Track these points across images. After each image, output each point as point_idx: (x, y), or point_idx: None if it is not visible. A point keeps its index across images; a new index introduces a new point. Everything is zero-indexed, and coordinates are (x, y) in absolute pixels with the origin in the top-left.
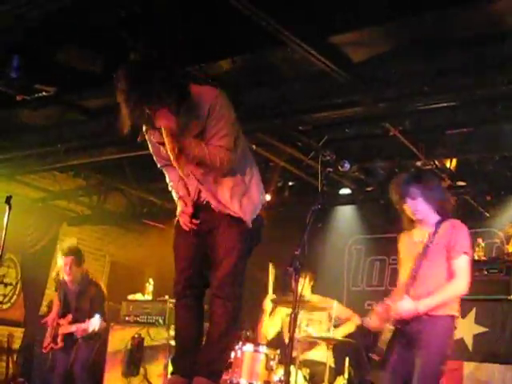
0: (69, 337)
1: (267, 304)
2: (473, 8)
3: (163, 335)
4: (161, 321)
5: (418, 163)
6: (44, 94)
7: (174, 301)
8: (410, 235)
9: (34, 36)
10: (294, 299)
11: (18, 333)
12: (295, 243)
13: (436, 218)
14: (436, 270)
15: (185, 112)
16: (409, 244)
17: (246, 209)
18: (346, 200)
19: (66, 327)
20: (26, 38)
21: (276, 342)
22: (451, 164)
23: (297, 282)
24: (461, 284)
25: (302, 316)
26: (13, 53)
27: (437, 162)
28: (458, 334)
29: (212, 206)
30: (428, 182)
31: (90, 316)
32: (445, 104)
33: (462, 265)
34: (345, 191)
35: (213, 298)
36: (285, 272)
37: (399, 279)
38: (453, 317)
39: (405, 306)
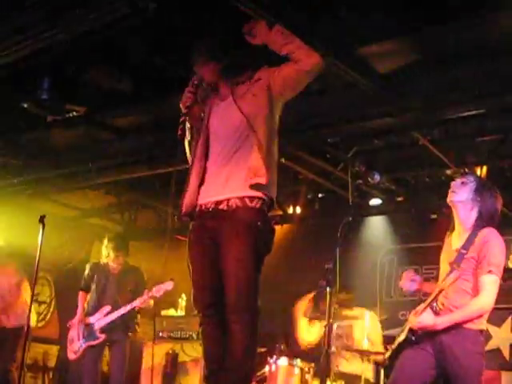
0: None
1: (300, 309)
2: (500, 15)
3: (197, 350)
4: (194, 336)
5: (448, 172)
6: (74, 114)
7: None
8: (449, 239)
9: (63, 57)
10: (327, 312)
11: (53, 350)
12: (327, 256)
13: (475, 223)
14: (465, 283)
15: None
16: (447, 249)
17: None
18: (377, 211)
19: (104, 319)
20: (55, 60)
21: (311, 355)
22: (482, 171)
23: (330, 295)
24: (484, 303)
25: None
26: (43, 74)
27: (467, 170)
28: (494, 344)
29: (220, 207)
30: (484, 189)
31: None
32: (474, 112)
33: (488, 282)
34: (375, 202)
35: (230, 314)
36: (320, 285)
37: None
38: (481, 331)
39: (424, 320)
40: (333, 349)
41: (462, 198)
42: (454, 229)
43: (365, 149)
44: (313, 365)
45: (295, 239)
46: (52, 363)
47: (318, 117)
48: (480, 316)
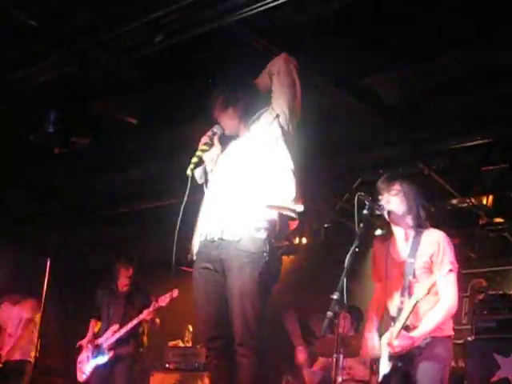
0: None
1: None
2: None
3: (204, 382)
4: (201, 367)
5: (454, 201)
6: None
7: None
8: (386, 247)
9: (69, 89)
10: (335, 343)
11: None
12: (333, 286)
13: (413, 224)
14: (424, 291)
15: None
16: (387, 259)
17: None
18: None
19: (112, 337)
20: (61, 92)
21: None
22: (488, 201)
23: (337, 326)
24: (451, 303)
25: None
26: (49, 107)
27: (473, 200)
28: (502, 374)
29: (225, 237)
30: (412, 184)
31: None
32: (479, 141)
33: (450, 282)
34: (380, 231)
35: (237, 346)
36: (327, 317)
37: (377, 295)
38: (450, 337)
39: (402, 342)
40: (339, 380)
41: (400, 209)
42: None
43: (370, 179)
44: None
45: (301, 270)
46: None
47: (323, 147)
48: (452, 316)
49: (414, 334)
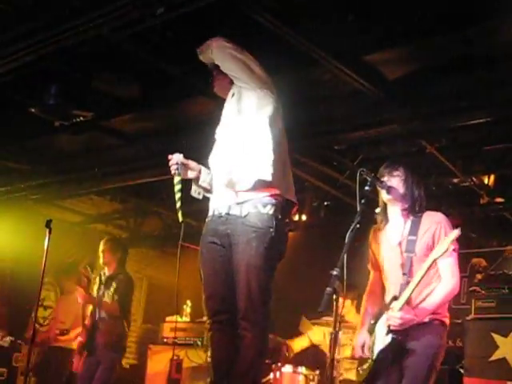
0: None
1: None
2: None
3: (202, 357)
4: (199, 342)
5: (455, 180)
6: (81, 119)
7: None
8: (382, 234)
9: (70, 62)
10: (334, 319)
11: None
12: (332, 263)
13: (412, 206)
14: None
15: None
16: (384, 246)
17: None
18: None
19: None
20: (62, 65)
21: (313, 361)
22: (489, 180)
23: (337, 301)
24: (453, 283)
25: (343, 336)
26: (50, 79)
27: (474, 179)
28: (500, 354)
29: (232, 212)
30: (415, 172)
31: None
32: (482, 120)
33: (452, 263)
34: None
35: (241, 320)
36: (326, 292)
37: (374, 281)
38: (444, 324)
39: (404, 315)
40: (338, 357)
41: (400, 194)
42: (380, 222)
43: (371, 156)
44: (317, 372)
45: (301, 246)
46: None
47: (324, 124)
48: (452, 296)
49: (417, 310)
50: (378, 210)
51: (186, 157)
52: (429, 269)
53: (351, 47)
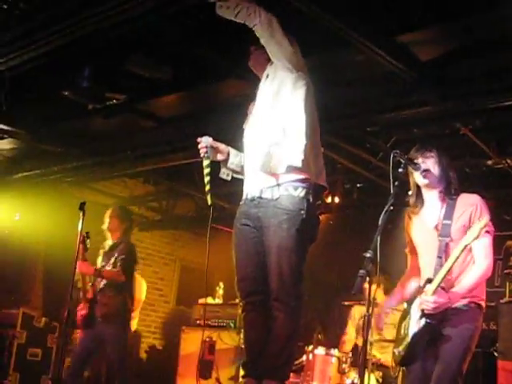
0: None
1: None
2: None
3: (234, 338)
4: (231, 324)
5: (490, 162)
6: (114, 101)
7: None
8: (417, 218)
9: (103, 45)
10: (367, 302)
11: None
12: (365, 245)
13: (446, 188)
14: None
15: None
16: (420, 229)
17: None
18: None
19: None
20: (95, 48)
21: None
22: None
23: (370, 284)
24: (486, 265)
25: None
26: (83, 62)
27: (509, 161)
28: None
29: (264, 195)
30: (445, 154)
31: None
32: None
33: (486, 245)
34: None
35: (273, 301)
36: (359, 275)
37: (412, 266)
38: (480, 306)
39: (438, 299)
40: (371, 339)
41: (435, 176)
42: (414, 206)
43: (405, 138)
44: (350, 354)
45: (333, 229)
46: None
47: (357, 105)
48: (487, 278)
49: (451, 293)
50: (410, 193)
51: (215, 139)
52: (461, 254)
53: (384, 28)
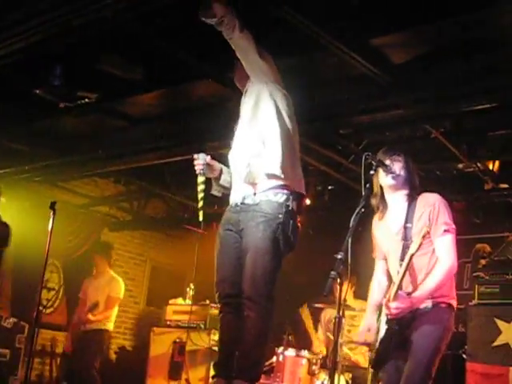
0: None
1: (305, 314)
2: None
3: (204, 339)
4: (202, 325)
5: (460, 165)
6: (86, 100)
7: (217, 306)
8: (383, 223)
9: (75, 44)
10: (337, 304)
11: (61, 337)
12: (336, 247)
13: (410, 191)
14: (421, 255)
15: None
16: (386, 234)
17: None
18: None
19: None
20: (67, 46)
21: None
22: (494, 166)
23: (341, 286)
24: (450, 263)
25: (344, 321)
26: (55, 61)
27: (479, 164)
28: (503, 339)
29: (246, 201)
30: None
31: None
32: (487, 105)
33: (447, 243)
34: None
35: (245, 300)
36: (330, 276)
37: (380, 270)
38: (450, 306)
39: (399, 303)
40: (341, 341)
41: (402, 178)
42: (380, 211)
43: (376, 141)
44: (320, 356)
45: (304, 230)
46: (60, 349)
47: (329, 107)
48: (450, 277)
49: (414, 294)
50: (373, 194)
51: (186, 139)
52: (410, 262)
53: (357, 31)
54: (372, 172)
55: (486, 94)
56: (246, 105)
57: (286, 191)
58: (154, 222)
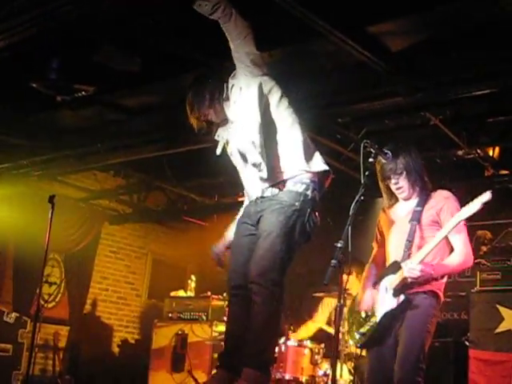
0: None
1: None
2: None
3: (206, 331)
4: (204, 317)
5: (460, 152)
6: (83, 93)
7: (219, 297)
8: (393, 210)
9: (72, 37)
10: (338, 292)
11: (64, 331)
12: (337, 235)
13: (420, 188)
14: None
15: None
16: (394, 219)
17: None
18: None
19: None
20: (64, 40)
21: (320, 336)
22: (494, 152)
23: (341, 274)
24: (468, 256)
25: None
26: (51, 54)
27: (479, 151)
28: (505, 326)
29: (265, 194)
30: (410, 154)
31: None
32: (486, 91)
33: (463, 238)
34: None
35: (252, 284)
36: (331, 264)
37: (377, 254)
38: (438, 296)
39: (424, 267)
40: (342, 330)
41: (407, 185)
42: (388, 204)
43: (375, 129)
44: (322, 346)
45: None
46: (62, 343)
47: (327, 96)
48: (465, 268)
49: (436, 266)
50: (383, 197)
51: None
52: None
53: (354, 18)
54: (371, 160)
55: (485, 79)
56: (241, 100)
57: (305, 180)
58: (154, 215)
